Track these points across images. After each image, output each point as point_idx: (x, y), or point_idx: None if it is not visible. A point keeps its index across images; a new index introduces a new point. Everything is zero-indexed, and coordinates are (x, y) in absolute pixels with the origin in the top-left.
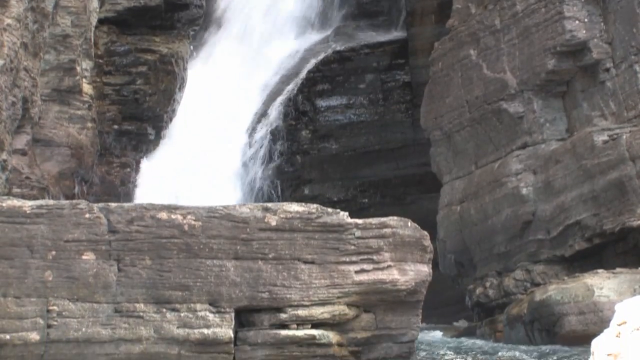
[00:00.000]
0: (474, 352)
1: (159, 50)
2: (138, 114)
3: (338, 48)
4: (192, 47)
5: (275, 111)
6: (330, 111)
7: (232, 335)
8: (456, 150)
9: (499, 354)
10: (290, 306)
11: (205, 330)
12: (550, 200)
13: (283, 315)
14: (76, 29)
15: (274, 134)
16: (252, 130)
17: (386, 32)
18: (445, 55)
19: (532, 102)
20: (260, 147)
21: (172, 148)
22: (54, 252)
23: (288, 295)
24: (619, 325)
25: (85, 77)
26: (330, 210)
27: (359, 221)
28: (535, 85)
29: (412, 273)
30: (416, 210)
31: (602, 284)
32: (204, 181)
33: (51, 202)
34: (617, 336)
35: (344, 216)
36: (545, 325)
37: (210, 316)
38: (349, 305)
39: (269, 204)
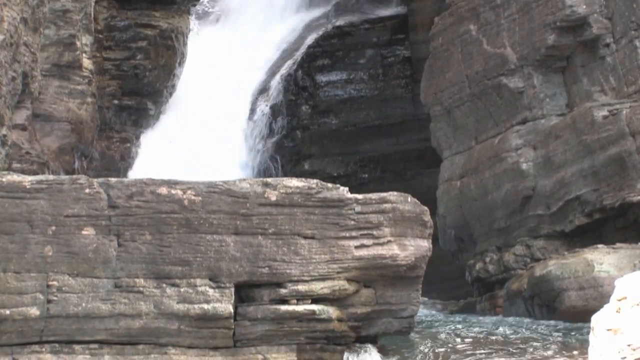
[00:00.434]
0: (473, 327)
1: (159, 26)
2: (138, 89)
3: (338, 23)
4: (197, 23)
5: (275, 86)
6: (330, 86)
7: (232, 311)
8: (456, 126)
9: (499, 329)
10: (290, 281)
11: (205, 306)
12: (550, 176)
13: (283, 291)
14: (76, 4)
15: (274, 110)
16: (252, 106)
17: (386, 7)
18: (445, 31)
19: (532, 78)
20: (260, 122)
21: (172, 123)
22: (53, 227)
23: (288, 271)
24: (619, 300)
25: (85, 52)
26: (330, 185)
27: (359, 196)
28: (535, 60)
29: (412, 248)
30: (416, 185)
31: (602, 259)
32: (203, 156)
33: (51, 177)
34: (617, 311)
35: (344, 191)
36: (545, 300)
37: (210, 291)
38: (348, 280)
39: (269, 179)
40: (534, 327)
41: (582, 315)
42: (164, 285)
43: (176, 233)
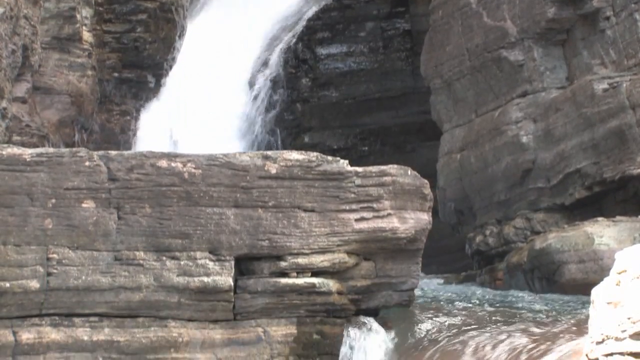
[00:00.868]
0: (473, 300)
1: None
2: (138, 61)
3: None
4: None
5: (275, 59)
6: (330, 59)
7: (232, 284)
8: (456, 99)
9: (498, 302)
10: (290, 254)
11: (205, 279)
12: (550, 149)
13: (283, 264)
14: None
15: (274, 82)
16: (252, 79)
17: None
18: (445, 4)
19: (532, 50)
20: (260, 95)
21: (172, 96)
22: (53, 200)
23: (288, 244)
24: (619, 273)
25: (85, 25)
26: (330, 158)
27: (359, 169)
28: (535, 33)
29: (412, 221)
30: (416, 158)
31: (602, 232)
32: (203, 129)
33: (51, 150)
34: (617, 284)
35: (344, 164)
36: (545, 273)
37: (210, 264)
38: (348, 253)
39: (269, 152)
40: (533, 299)
41: (582, 288)
42: (164, 258)
43: (176, 206)
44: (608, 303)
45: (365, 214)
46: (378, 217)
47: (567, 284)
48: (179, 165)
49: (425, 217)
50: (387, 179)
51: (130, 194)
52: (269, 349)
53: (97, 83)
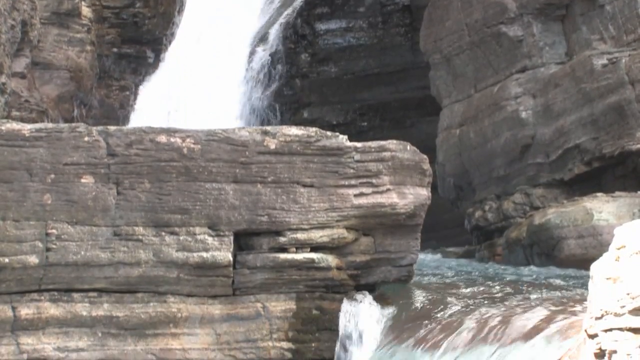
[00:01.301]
0: (472, 276)
1: None
2: (137, 37)
3: None
4: None
5: (274, 35)
6: (330, 34)
7: (231, 259)
8: (455, 74)
9: (497, 277)
10: (290, 229)
11: (204, 254)
12: (550, 124)
13: (282, 239)
14: None
15: (273, 58)
16: (251, 54)
17: None
18: None
19: (531, 26)
20: (260, 70)
21: (171, 71)
22: (52, 176)
23: (287, 219)
24: (618, 249)
25: (84, 0)
26: (329, 133)
27: (358, 144)
28: (534, 8)
29: (411, 196)
30: (415, 133)
31: (601, 208)
32: (202, 104)
33: (50, 125)
34: (616, 260)
35: (343, 139)
36: (544, 248)
37: (209, 240)
38: (347, 228)
39: (268, 127)
40: (532, 275)
41: (581, 264)
42: (163, 233)
43: (175, 181)
44: (607, 279)
45: (364, 190)
46: (377, 192)
47: (566, 259)
48: (178, 140)
49: (425, 193)
50: (386, 154)
51: (129, 170)
52: (268, 325)
53: (96, 58)
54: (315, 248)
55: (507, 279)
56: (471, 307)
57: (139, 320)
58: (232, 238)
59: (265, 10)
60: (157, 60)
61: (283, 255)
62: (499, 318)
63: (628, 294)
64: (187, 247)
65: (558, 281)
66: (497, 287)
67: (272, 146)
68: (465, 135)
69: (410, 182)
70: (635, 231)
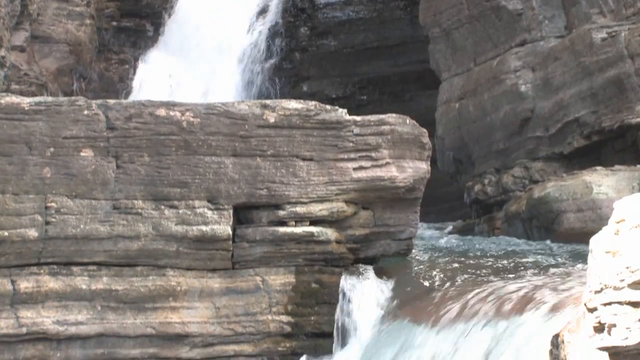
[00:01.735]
0: (471, 249)
1: None
2: (137, 10)
3: None
4: None
5: (273, 8)
6: (329, 8)
7: (231, 232)
8: (455, 47)
9: (497, 250)
10: (289, 203)
11: (204, 227)
12: (549, 98)
13: (281, 212)
14: None
15: (273, 31)
16: (251, 27)
17: None
18: None
19: None
20: (259, 44)
21: (170, 44)
22: (52, 149)
23: (286, 192)
24: (618, 222)
25: None
26: (328, 107)
27: (358, 118)
28: None
29: (411, 170)
30: (415, 107)
31: (600, 181)
32: (202, 78)
33: (49, 98)
34: (615, 234)
35: (342, 113)
36: (543, 222)
37: (209, 213)
38: (347, 202)
39: (268, 101)
40: (532, 248)
41: (580, 237)
42: (163, 206)
43: (174, 155)
44: (606, 252)
45: (363, 163)
46: (376, 166)
47: (566, 232)
48: (178, 114)
49: (424, 166)
50: (386, 127)
51: (128, 143)
52: (267, 298)
53: (96, 32)
54: (315, 222)
55: (506, 252)
56: (470, 280)
57: (138, 293)
58: (231, 211)
59: None
60: (157, 33)
61: (282, 229)
62: (498, 291)
63: (627, 268)
64: (187, 221)
65: (557, 254)
66: (496, 261)
67: (272, 120)
68: (465, 108)
69: (409, 155)
70: (635, 205)
